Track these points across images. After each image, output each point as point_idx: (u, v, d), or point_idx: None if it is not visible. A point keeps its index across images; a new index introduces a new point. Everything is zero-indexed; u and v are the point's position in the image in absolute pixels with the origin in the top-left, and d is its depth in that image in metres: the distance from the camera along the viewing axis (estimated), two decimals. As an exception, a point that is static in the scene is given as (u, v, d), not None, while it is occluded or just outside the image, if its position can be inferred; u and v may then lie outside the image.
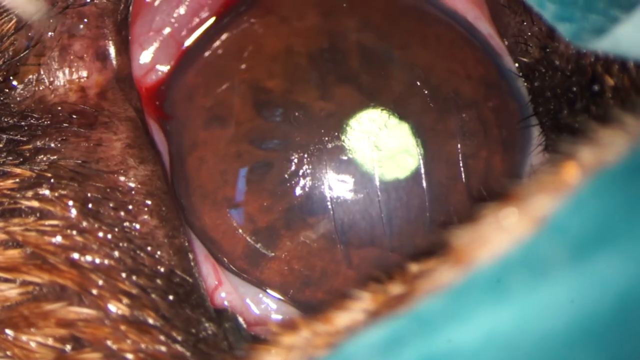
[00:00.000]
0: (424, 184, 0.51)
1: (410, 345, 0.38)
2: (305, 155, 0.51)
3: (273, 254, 0.52)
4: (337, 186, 0.51)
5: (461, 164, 0.51)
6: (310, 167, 0.51)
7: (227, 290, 0.52)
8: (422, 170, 0.51)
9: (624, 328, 0.37)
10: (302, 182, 0.51)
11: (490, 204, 0.39)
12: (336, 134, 0.51)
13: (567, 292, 0.37)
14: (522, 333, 0.37)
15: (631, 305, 0.37)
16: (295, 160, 0.51)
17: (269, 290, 0.52)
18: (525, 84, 0.52)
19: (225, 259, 0.52)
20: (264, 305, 0.52)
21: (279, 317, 0.52)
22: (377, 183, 0.51)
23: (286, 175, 0.51)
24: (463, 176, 0.51)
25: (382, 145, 0.51)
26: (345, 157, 0.51)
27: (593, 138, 0.38)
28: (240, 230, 0.52)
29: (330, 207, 0.51)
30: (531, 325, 0.37)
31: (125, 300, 0.47)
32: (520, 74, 0.52)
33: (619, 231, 0.37)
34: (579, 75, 0.48)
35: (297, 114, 0.51)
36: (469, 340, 0.37)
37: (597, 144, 0.38)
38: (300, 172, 0.51)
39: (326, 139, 0.51)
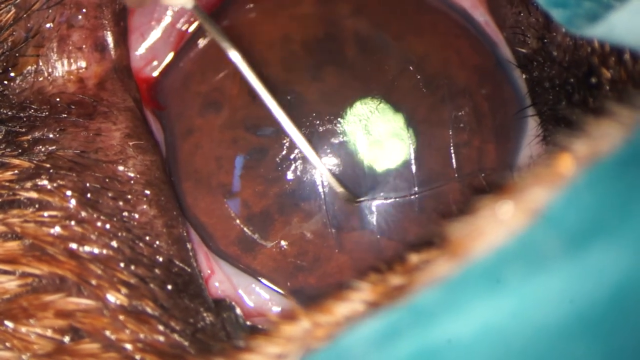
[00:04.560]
0: (414, 169, 0.51)
1: (406, 337, 0.38)
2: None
3: (266, 239, 0.51)
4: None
5: (452, 151, 0.51)
6: (301, 151, 0.51)
7: (219, 280, 0.52)
8: (412, 156, 0.51)
9: (619, 318, 0.36)
10: (293, 167, 0.51)
11: (486, 197, 0.39)
12: (328, 117, 0.51)
13: (563, 283, 0.37)
14: (518, 324, 0.37)
15: (626, 295, 0.36)
16: (287, 145, 0.51)
17: (261, 279, 0.52)
18: (524, 75, 0.52)
19: (218, 245, 0.52)
20: (257, 295, 0.52)
21: (274, 307, 0.52)
22: (368, 167, 0.51)
23: (278, 160, 0.51)
24: (454, 163, 0.51)
25: (373, 130, 0.51)
26: (336, 141, 0.51)
27: (587, 130, 0.38)
28: (234, 215, 0.52)
29: (321, 191, 0.51)
30: (527, 316, 0.37)
31: (124, 290, 0.47)
32: (517, 64, 0.52)
33: (614, 222, 0.36)
34: (575, 67, 0.48)
35: (291, 97, 0.51)
36: (465, 332, 0.37)
37: (591, 135, 0.38)
38: (292, 156, 0.51)
39: (318, 122, 0.51)
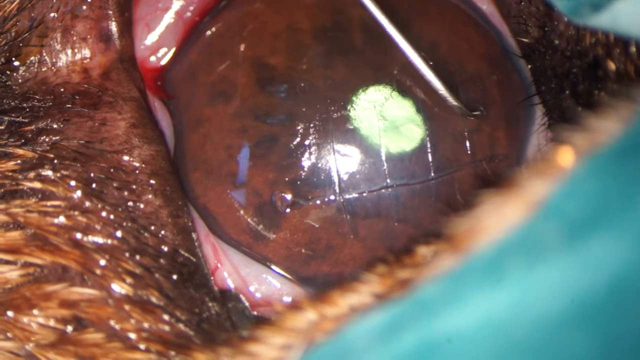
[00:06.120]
0: (429, 155, 0.51)
1: (409, 330, 0.38)
2: (311, 126, 0.50)
3: (279, 227, 0.51)
4: (342, 156, 0.50)
5: (466, 136, 0.51)
6: (315, 138, 0.50)
7: (228, 271, 0.51)
8: (428, 141, 0.51)
9: (618, 309, 0.36)
10: (307, 153, 0.50)
11: (488, 190, 0.39)
12: (342, 104, 0.51)
13: (563, 274, 0.36)
14: (518, 316, 0.37)
15: (625, 286, 0.36)
16: (301, 132, 0.50)
17: (273, 267, 0.52)
18: (528, 64, 0.52)
19: (229, 235, 0.52)
20: (267, 285, 0.52)
21: (284, 297, 0.52)
22: (383, 153, 0.51)
23: (292, 147, 0.50)
24: (468, 149, 0.51)
25: (388, 115, 0.51)
26: (350, 127, 0.51)
27: (587, 122, 0.38)
28: (246, 204, 0.51)
29: (336, 177, 0.50)
30: (527, 308, 0.37)
31: (129, 280, 0.46)
32: (521, 54, 0.52)
33: (613, 212, 0.36)
34: (578, 58, 0.47)
35: (302, 84, 0.51)
36: (467, 325, 0.37)
37: (590, 128, 0.38)
38: (306, 143, 0.50)
39: (332, 108, 0.50)
